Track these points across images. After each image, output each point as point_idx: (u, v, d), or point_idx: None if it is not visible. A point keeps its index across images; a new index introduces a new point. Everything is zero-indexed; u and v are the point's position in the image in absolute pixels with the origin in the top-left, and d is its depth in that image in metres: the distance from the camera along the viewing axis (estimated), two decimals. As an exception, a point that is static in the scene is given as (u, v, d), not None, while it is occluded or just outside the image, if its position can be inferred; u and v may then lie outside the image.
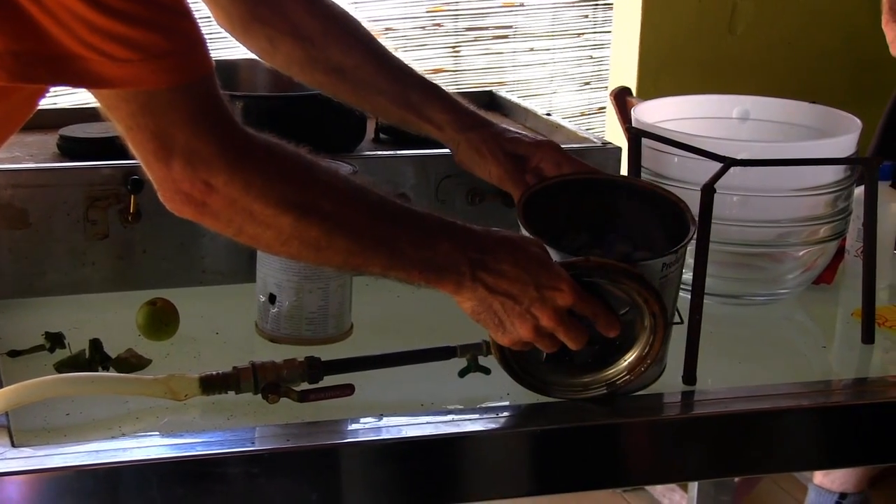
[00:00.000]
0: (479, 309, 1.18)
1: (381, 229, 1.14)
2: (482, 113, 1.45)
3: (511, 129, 1.44)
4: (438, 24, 3.32)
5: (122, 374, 1.24)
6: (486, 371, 1.26)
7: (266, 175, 1.07)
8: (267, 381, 1.19)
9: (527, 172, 1.39)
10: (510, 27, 3.39)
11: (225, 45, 2.96)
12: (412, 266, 1.15)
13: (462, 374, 1.26)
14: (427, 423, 1.20)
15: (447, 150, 1.45)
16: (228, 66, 1.76)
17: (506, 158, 1.40)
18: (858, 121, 1.53)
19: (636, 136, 1.50)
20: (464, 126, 1.41)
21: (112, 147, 1.54)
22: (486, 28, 3.37)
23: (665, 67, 3.34)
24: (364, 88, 1.42)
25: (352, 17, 1.45)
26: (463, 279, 1.16)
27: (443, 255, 1.15)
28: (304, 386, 1.21)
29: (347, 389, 1.21)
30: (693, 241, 1.28)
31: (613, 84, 3.19)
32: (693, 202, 1.29)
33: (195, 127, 1.03)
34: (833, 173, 1.48)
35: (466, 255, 1.16)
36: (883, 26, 2.38)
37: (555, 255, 1.20)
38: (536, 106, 1.84)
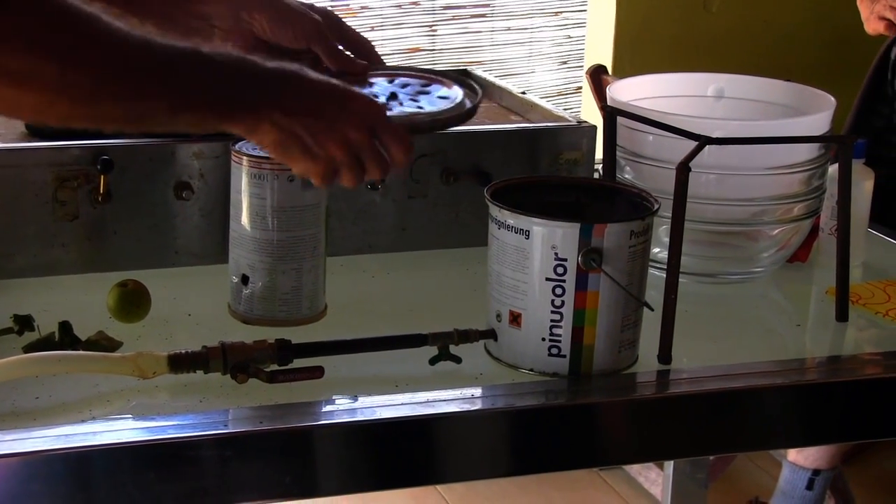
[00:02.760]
0: (281, 138, 1.13)
1: (162, 73, 1.05)
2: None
3: None
4: (415, 3, 3.30)
5: (89, 353, 1.22)
6: (457, 360, 1.26)
7: (25, 24, 0.95)
8: (236, 362, 1.18)
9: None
10: (487, 6, 3.38)
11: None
12: (200, 108, 1.09)
13: (432, 362, 1.26)
14: (402, 404, 1.20)
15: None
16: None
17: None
18: (833, 99, 1.53)
19: (611, 114, 1.50)
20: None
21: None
22: (464, 7, 3.36)
23: (640, 45, 3.34)
24: None
25: None
26: (259, 110, 1.11)
27: (233, 94, 1.10)
28: (275, 367, 1.20)
29: (317, 372, 1.20)
30: (668, 220, 1.28)
31: (589, 62, 3.19)
32: (668, 180, 1.29)
33: None
34: (807, 151, 1.48)
35: (257, 94, 1.11)
36: (858, 4, 2.38)
37: None
38: (513, 85, 1.83)
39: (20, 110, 1.02)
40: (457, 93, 1.31)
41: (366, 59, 1.37)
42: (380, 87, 1.32)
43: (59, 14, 0.98)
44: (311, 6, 1.37)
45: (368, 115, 1.15)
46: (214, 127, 1.12)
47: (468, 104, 1.28)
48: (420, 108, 1.26)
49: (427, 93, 1.30)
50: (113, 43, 1.01)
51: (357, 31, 1.38)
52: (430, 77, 1.33)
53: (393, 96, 1.26)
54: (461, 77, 1.35)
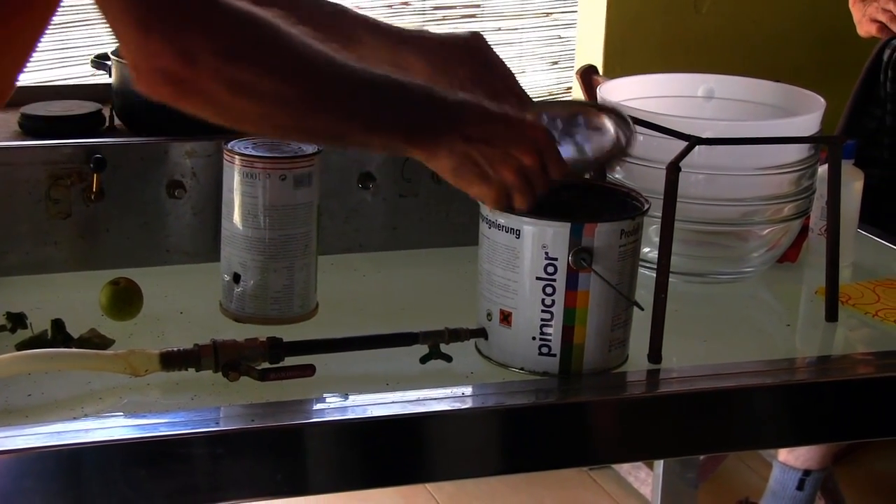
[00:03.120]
0: (457, 163, 1.18)
1: (362, 93, 1.13)
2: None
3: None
4: (405, 3, 3.30)
5: (81, 350, 1.23)
6: (448, 359, 1.26)
7: (246, 40, 1.05)
8: (228, 360, 1.18)
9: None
10: (478, 6, 3.38)
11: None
12: (395, 131, 1.15)
13: (423, 360, 1.26)
14: (392, 402, 1.20)
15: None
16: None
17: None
18: (822, 100, 1.54)
19: (602, 114, 1.50)
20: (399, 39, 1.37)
21: (74, 125, 1.54)
22: (454, 7, 3.36)
23: (631, 46, 3.34)
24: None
25: None
26: (439, 136, 1.16)
27: (424, 119, 1.16)
28: (266, 365, 1.20)
29: (308, 370, 1.21)
30: (658, 220, 1.28)
31: (580, 62, 3.19)
32: (658, 180, 1.29)
33: None
34: (797, 152, 1.48)
35: (441, 114, 1.17)
36: (850, 6, 2.39)
37: None
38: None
39: (242, 120, 1.10)
40: (606, 123, 1.30)
41: (506, 89, 1.38)
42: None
43: (276, 35, 1.07)
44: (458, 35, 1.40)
45: (538, 141, 1.19)
46: (400, 150, 1.19)
47: (623, 138, 1.28)
48: (577, 144, 1.26)
49: (577, 124, 1.30)
50: (322, 62, 1.10)
51: (501, 60, 1.39)
52: (576, 108, 1.33)
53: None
54: (603, 105, 1.34)
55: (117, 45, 1.05)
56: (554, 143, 1.22)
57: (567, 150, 1.28)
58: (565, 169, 1.21)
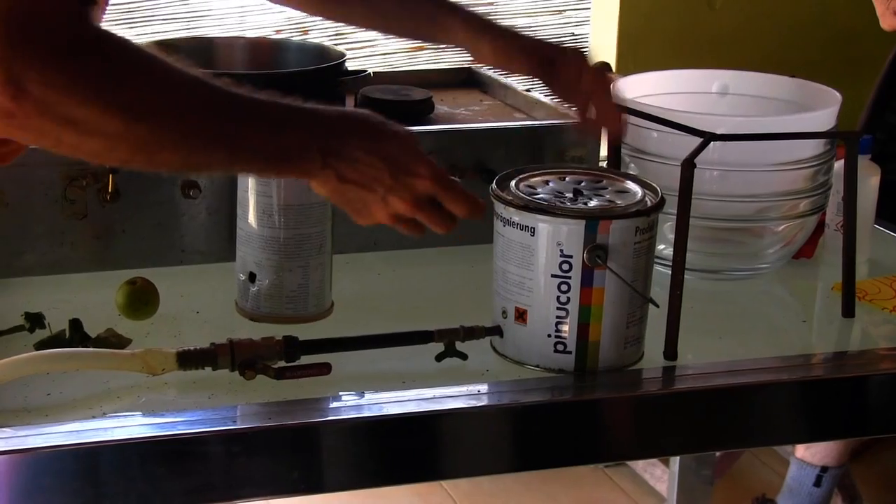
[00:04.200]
0: (334, 196, 1.14)
1: (220, 123, 1.04)
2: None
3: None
4: None
5: (98, 350, 1.23)
6: (463, 356, 1.26)
7: (90, 74, 0.94)
8: (244, 358, 1.19)
9: (553, 76, 1.47)
10: (491, 4, 3.37)
11: (203, 25, 2.94)
12: (257, 158, 1.08)
13: (439, 358, 1.26)
14: (408, 400, 1.20)
15: (427, 126, 1.44)
16: (206, 44, 1.75)
17: (531, 59, 1.47)
18: (838, 94, 1.54)
19: (616, 111, 1.50)
20: (481, 26, 1.48)
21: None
22: (467, 5, 3.35)
23: (644, 43, 3.34)
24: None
25: None
26: (313, 167, 1.11)
27: (290, 143, 1.09)
28: (282, 364, 1.21)
29: (324, 368, 1.21)
30: (673, 217, 1.28)
31: (592, 60, 3.18)
32: (673, 177, 1.29)
33: (10, 18, 0.89)
34: (813, 147, 1.48)
35: (316, 142, 1.10)
36: (873, 0, 2.38)
37: None
38: (517, 83, 1.83)
39: (80, 153, 1.00)
40: (634, 188, 1.29)
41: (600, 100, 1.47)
42: (557, 185, 1.29)
43: (123, 64, 0.98)
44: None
45: (423, 186, 1.15)
46: (273, 174, 1.15)
47: (649, 202, 1.26)
48: (610, 201, 1.26)
49: (604, 187, 1.29)
50: (172, 93, 1.01)
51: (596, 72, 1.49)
52: (601, 174, 1.32)
53: (578, 192, 1.26)
54: (631, 174, 1.34)
55: None
56: (431, 204, 1.16)
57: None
58: (446, 225, 1.18)
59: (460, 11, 1.49)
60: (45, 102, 0.92)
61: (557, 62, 1.47)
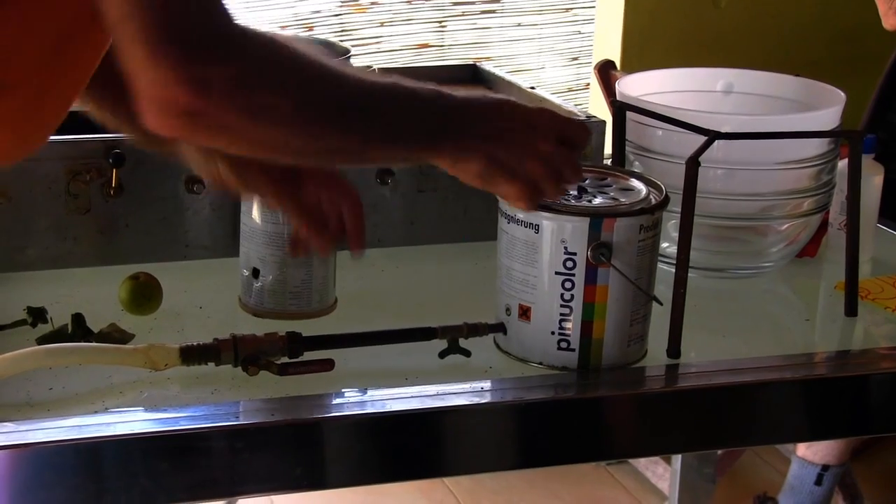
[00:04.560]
0: (481, 166, 1.14)
1: (378, 108, 1.09)
2: None
3: None
4: (425, -1, 3.30)
5: (101, 345, 1.23)
6: (467, 353, 1.26)
7: (262, 62, 1.00)
8: (247, 354, 1.19)
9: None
10: (497, 1, 3.38)
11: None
12: (409, 139, 1.12)
13: (442, 355, 1.26)
14: (411, 396, 1.20)
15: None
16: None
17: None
18: (842, 93, 1.53)
19: (620, 109, 1.50)
20: None
21: (94, 120, 1.54)
22: (473, 2, 3.35)
23: (649, 41, 3.34)
24: None
25: None
26: (460, 141, 1.13)
27: (436, 123, 1.12)
28: (285, 360, 1.21)
29: (327, 364, 1.21)
30: (677, 215, 1.28)
31: (598, 58, 3.19)
32: (677, 175, 1.29)
33: (189, 13, 0.96)
34: (817, 146, 1.48)
35: (455, 117, 1.13)
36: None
37: None
38: (521, 80, 1.83)
39: (261, 148, 1.06)
40: (639, 186, 1.29)
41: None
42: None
43: (291, 56, 1.03)
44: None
45: (553, 126, 1.16)
46: (420, 160, 1.15)
47: (653, 200, 1.26)
48: (614, 199, 1.25)
49: (608, 185, 1.29)
50: (337, 79, 1.06)
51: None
52: (606, 172, 1.32)
53: (582, 190, 1.26)
54: (635, 172, 1.34)
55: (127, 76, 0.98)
56: (565, 122, 1.18)
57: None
58: (585, 142, 1.19)
59: None
60: (228, 95, 0.97)
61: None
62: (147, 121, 0.98)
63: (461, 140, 1.13)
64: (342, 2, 3.13)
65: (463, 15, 3.35)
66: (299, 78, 1.03)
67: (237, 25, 0.99)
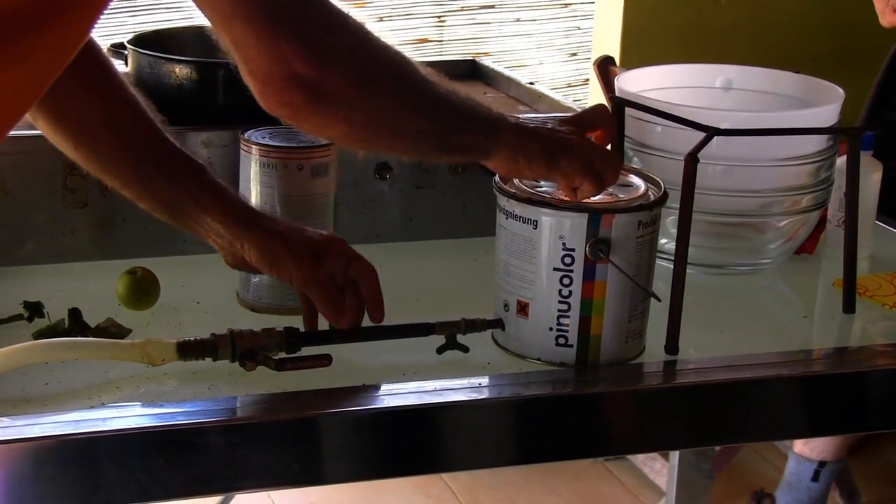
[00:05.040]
0: (541, 147, 1.20)
1: (448, 94, 1.15)
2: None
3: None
4: (424, -7, 3.30)
5: (98, 339, 1.23)
6: (465, 349, 1.26)
7: (364, 41, 1.07)
8: (245, 349, 1.19)
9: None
10: (497, -3, 3.37)
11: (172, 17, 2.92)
12: (478, 124, 1.18)
13: (440, 351, 1.26)
14: (409, 392, 1.20)
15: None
16: (208, 34, 1.73)
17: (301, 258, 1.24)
18: (841, 90, 1.53)
19: (619, 105, 1.50)
20: (243, 224, 1.24)
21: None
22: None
23: (648, 37, 3.33)
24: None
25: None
26: (523, 125, 1.20)
27: (497, 114, 1.19)
28: (282, 355, 1.21)
29: (325, 360, 1.21)
30: (676, 211, 1.28)
31: (597, 53, 3.18)
32: (676, 171, 1.29)
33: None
34: (815, 143, 1.48)
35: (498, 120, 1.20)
36: None
37: None
38: (521, 76, 1.83)
39: (373, 124, 1.11)
40: (637, 182, 1.29)
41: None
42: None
43: (366, 43, 1.09)
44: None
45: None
46: (488, 148, 1.19)
47: (652, 196, 1.26)
48: (613, 195, 1.25)
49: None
50: (410, 62, 1.12)
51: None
52: None
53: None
54: (634, 168, 1.34)
55: (241, 66, 1.03)
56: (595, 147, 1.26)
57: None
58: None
59: (219, 209, 1.23)
60: (345, 62, 1.03)
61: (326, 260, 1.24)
62: (270, 102, 1.03)
63: (521, 125, 1.19)
64: (341, -4, 3.12)
65: (462, 10, 3.35)
66: (390, 55, 1.10)
67: (332, 3, 1.05)
